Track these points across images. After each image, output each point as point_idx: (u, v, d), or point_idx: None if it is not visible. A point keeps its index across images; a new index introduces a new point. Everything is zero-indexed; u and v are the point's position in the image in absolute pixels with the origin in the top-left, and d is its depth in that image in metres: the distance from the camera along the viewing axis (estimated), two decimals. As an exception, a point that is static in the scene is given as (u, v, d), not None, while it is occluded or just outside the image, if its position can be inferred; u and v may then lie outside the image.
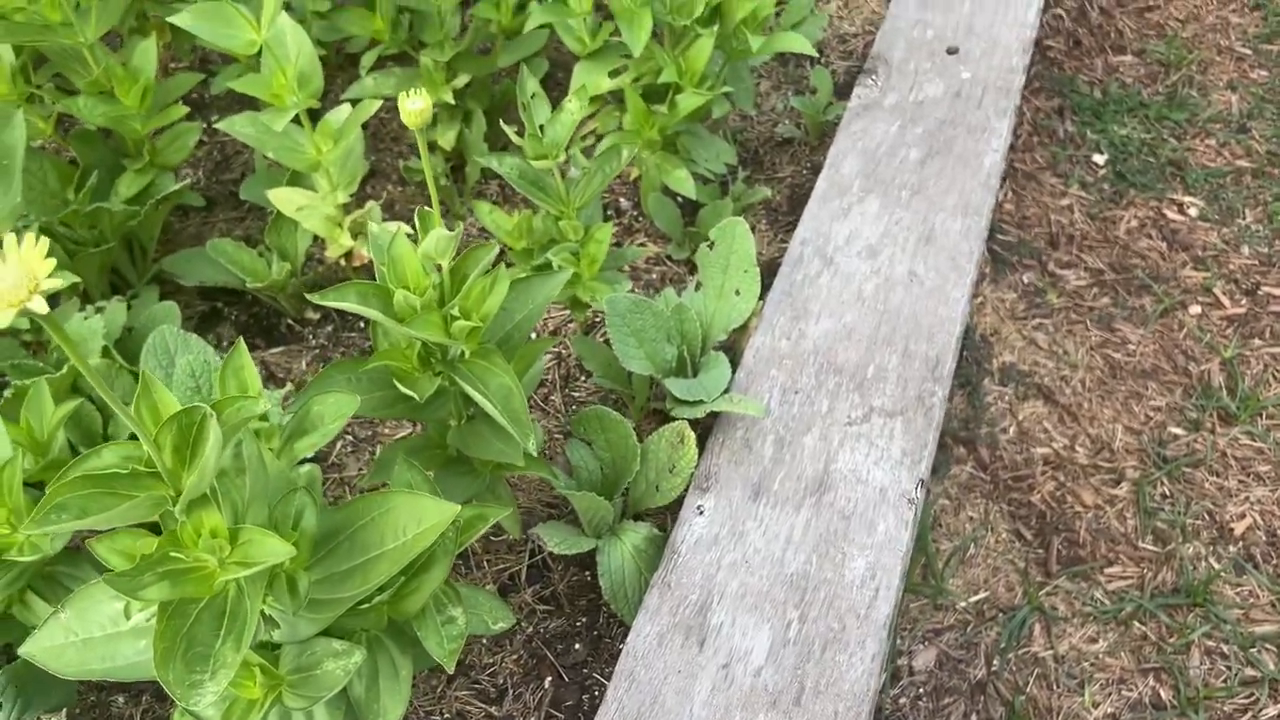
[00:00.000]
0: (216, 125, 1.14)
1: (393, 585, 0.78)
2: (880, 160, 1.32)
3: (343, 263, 1.29)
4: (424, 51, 1.37)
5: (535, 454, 0.88)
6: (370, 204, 1.28)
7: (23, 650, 0.77)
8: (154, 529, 0.71)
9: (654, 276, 1.37)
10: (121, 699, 1.01)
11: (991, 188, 1.28)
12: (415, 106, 0.76)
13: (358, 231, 1.26)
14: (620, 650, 1.01)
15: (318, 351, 1.31)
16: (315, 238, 1.31)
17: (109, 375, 1.13)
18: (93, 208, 1.22)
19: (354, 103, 1.23)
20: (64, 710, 0.88)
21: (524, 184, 1.12)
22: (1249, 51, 2.01)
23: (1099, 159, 1.81)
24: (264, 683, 0.74)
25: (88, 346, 1.12)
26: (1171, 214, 1.70)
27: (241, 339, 0.82)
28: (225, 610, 0.69)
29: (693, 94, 1.24)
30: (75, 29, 1.22)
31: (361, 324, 1.35)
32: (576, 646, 1.03)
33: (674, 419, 1.05)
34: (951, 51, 1.48)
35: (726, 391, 1.07)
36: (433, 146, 1.46)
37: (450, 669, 0.79)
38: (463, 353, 0.89)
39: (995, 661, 1.19)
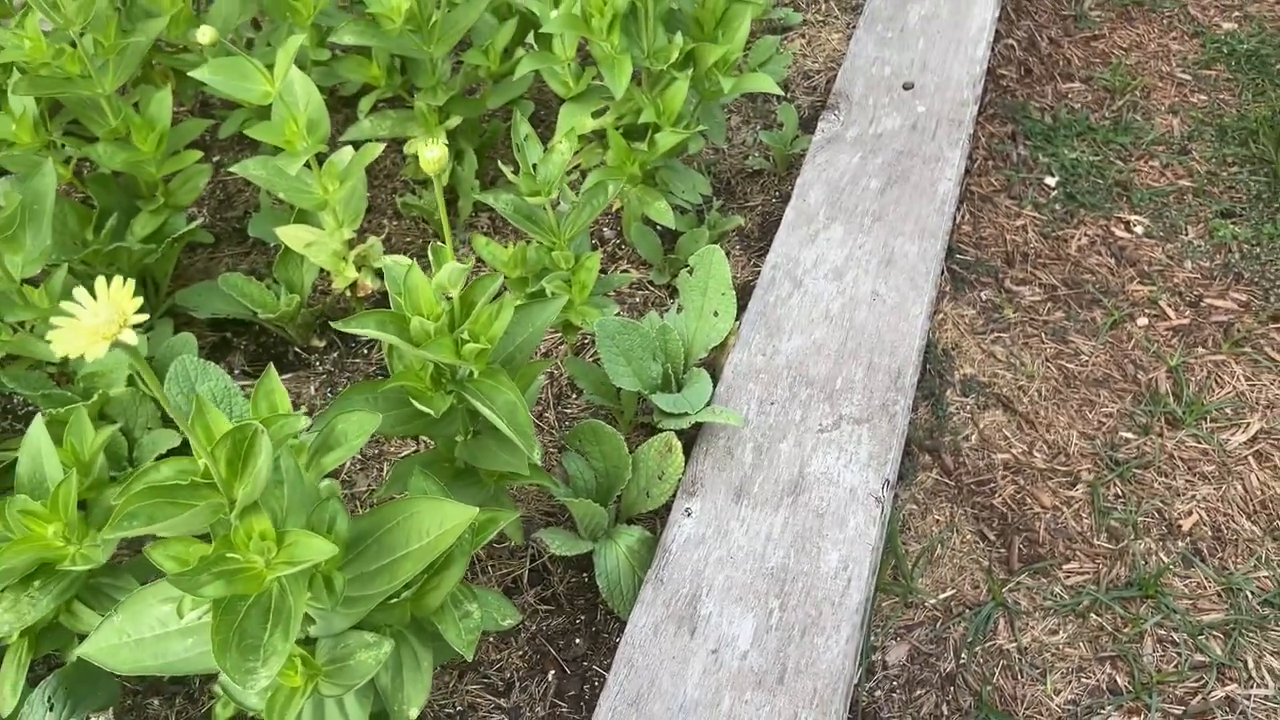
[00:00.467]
0: (230, 169, 1.23)
1: (416, 583, 0.87)
2: (844, 190, 1.43)
3: (348, 294, 1.38)
4: (418, 95, 1.47)
5: (539, 464, 0.97)
6: (371, 239, 1.37)
7: (81, 650, 0.85)
8: (201, 537, 0.80)
9: (637, 300, 1.47)
10: (156, 701, 1.08)
11: (946, 213, 1.39)
12: (433, 155, 0.86)
13: (361, 264, 1.35)
14: (617, 643, 1.10)
15: (325, 377, 1.40)
16: (321, 270, 1.40)
17: (134, 402, 1.21)
18: (113, 247, 1.30)
19: (355, 144, 1.33)
20: (110, 710, 0.96)
21: (519, 218, 1.21)
22: (1189, 77, 2.13)
23: (1050, 181, 1.92)
24: (304, 672, 0.82)
25: (115, 375, 1.21)
26: (1119, 232, 1.81)
27: (272, 365, 0.91)
28: (270, 606, 0.77)
29: (671, 132, 1.35)
30: (94, 81, 1.31)
31: (364, 350, 1.44)
32: (577, 641, 1.12)
33: (661, 430, 1.15)
34: (907, 87, 1.60)
35: (709, 404, 1.17)
36: (427, 184, 1.55)
37: (469, 657, 0.88)
38: (471, 373, 0.99)
39: (963, 655, 1.26)
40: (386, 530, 0.85)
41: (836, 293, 1.29)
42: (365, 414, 0.91)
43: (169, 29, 1.37)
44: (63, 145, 1.37)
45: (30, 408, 1.37)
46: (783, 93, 1.43)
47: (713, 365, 1.26)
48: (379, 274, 1.38)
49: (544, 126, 1.67)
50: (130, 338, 0.61)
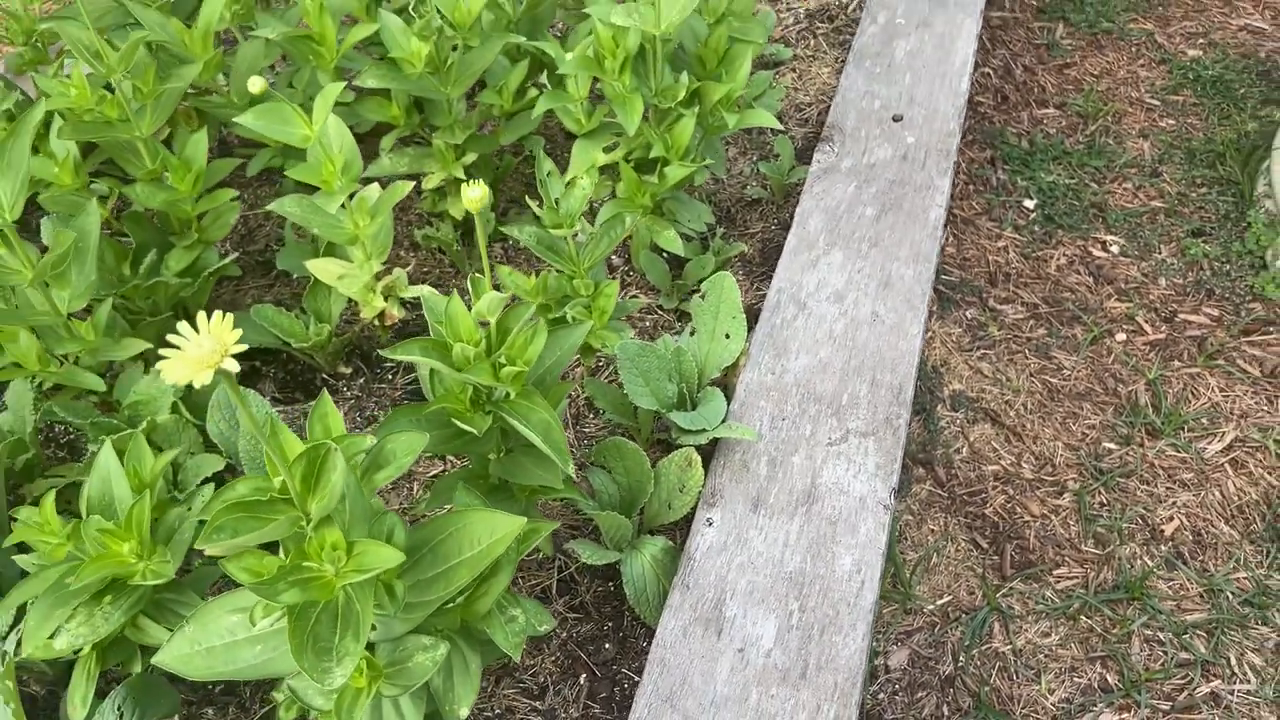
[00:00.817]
0: (268, 208, 1.30)
1: (467, 590, 0.94)
2: (841, 217, 1.52)
3: (375, 323, 1.45)
4: (436, 134, 1.55)
5: (574, 478, 1.04)
6: (397, 270, 1.44)
7: (157, 659, 0.92)
8: (265, 548, 0.87)
9: (647, 324, 1.55)
10: (210, 711, 1.14)
11: (937, 238, 1.48)
12: (475, 195, 0.93)
13: (388, 294, 1.42)
14: (644, 647, 1.17)
15: (353, 401, 1.47)
16: (348, 301, 1.47)
17: (177, 429, 1.28)
18: (153, 281, 1.37)
19: (381, 182, 1.40)
20: (175, 718, 1.02)
21: (541, 248, 1.29)
22: (1157, 103, 2.23)
23: (1029, 204, 2.01)
24: (368, 674, 0.89)
25: (159, 404, 1.27)
26: (1096, 251, 1.90)
27: (325, 391, 0.98)
28: (340, 611, 0.84)
29: (680, 166, 1.43)
30: (133, 125, 1.38)
31: (389, 376, 1.51)
32: (606, 646, 1.19)
33: (680, 446, 1.23)
34: (897, 119, 1.69)
35: (724, 421, 1.25)
36: (443, 216, 1.63)
37: (517, 658, 0.94)
38: (507, 394, 1.06)
39: (961, 658, 1.32)
40: (440, 540, 0.92)
41: (839, 314, 1.37)
42: (414, 434, 0.98)
43: (201, 74, 1.44)
44: (110, 188, 1.44)
45: (71, 436, 1.43)
46: (782, 127, 1.52)
47: (724, 385, 1.34)
48: (404, 304, 1.45)
49: (554, 160, 1.75)
50: (232, 365, 0.68)
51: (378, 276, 1.41)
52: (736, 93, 1.46)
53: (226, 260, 1.43)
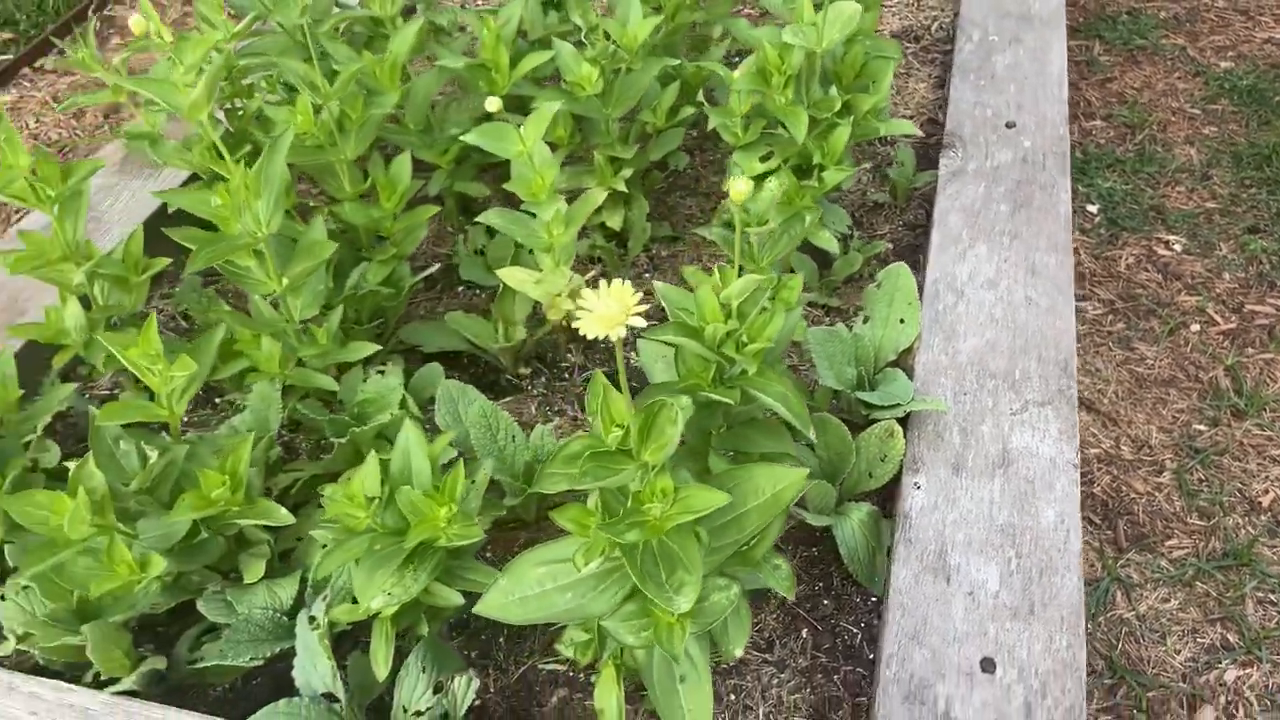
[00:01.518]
0: (478, 219, 1.42)
1: (755, 536, 1.05)
2: (978, 214, 1.65)
3: (564, 323, 1.57)
4: (598, 150, 1.68)
5: (814, 443, 1.16)
6: (576, 276, 1.56)
7: (477, 609, 1.03)
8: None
9: (805, 318, 1.67)
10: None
11: (1069, 230, 1.61)
12: (741, 187, 1.06)
13: (574, 296, 1.54)
14: (858, 604, 1.28)
15: (540, 399, 1.58)
16: (533, 306, 1.58)
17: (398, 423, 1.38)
18: (364, 291, 1.49)
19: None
20: (469, 671, 1.11)
21: (727, 246, 1.42)
22: (1198, 112, 2.39)
23: (1092, 208, 2.15)
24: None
25: (390, 399, 1.38)
26: (1160, 250, 2.04)
27: (600, 373, 1.10)
28: (663, 552, 0.95)
29: (835, 170, 1.56)
30: (339, 149, 1.50)
31: (567, 375, 1.62)
32: (824, 603, 1.29)
33: (876, 421, 1.34)
34: (1010, 125, 1.83)
35: (913, 397, 1.37)
36: (602, 226, 1.75)
37: (791, 597, 1.05)
38: (744, 370, 1.18)
39: (1090, 625, 1.41)
40: (729, 490, 1.03)
41: (995, 300, 1.50)
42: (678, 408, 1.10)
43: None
44: (319, 209, 1.56)
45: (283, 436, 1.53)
46: (922, 134, 1.66)
47: (899, 366, 1.46)
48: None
49: (698, 170, 1.88)
50: (639, 321, 0.80)
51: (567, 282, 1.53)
52: (882, 104, 1.60)
53: (427, 271, 1.54)
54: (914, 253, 1.76)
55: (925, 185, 1.87)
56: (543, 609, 1.02)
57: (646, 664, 1.04)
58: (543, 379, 1.61)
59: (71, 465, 1.06)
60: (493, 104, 1.26)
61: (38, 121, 2.38)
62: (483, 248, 1.72)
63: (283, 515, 1.15)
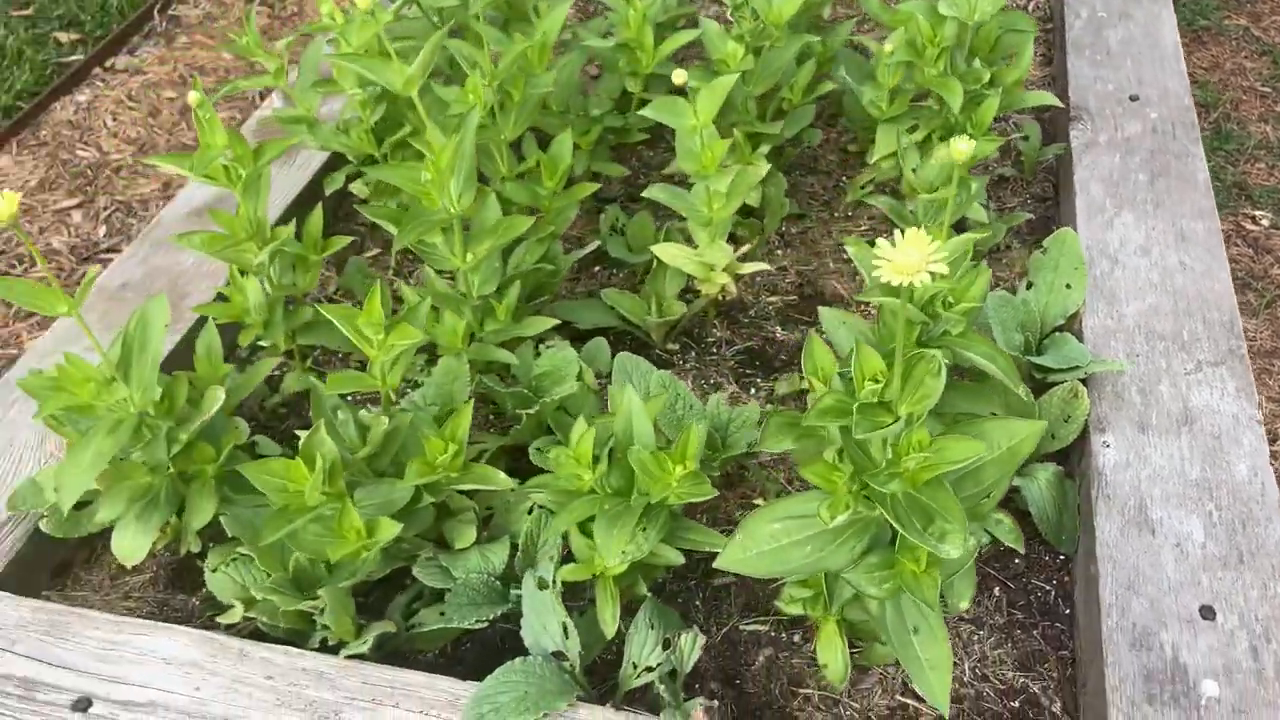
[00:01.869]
0: (644, 194, 1.44)
1: (984, 493, 1.07)
2: (1118, 184, 1.67)
3: (720, 296, 1.59)
4: (736, 127, 1.70)
5: (1024, 398, 1.18)
6: (731, 248, 1.58)
7: (719, 563, 1.05)
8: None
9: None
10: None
11: (1210, 198, 1.63)
12: (964, 147, 1.08)
13: (730, 271, 1.56)
14: (1048, 562, 1.30)
15: (694, 373, 1.60)
16: (686, 282, 1.60)
17: (583, 395, 1.40)
18: (530, 269, 1.51)
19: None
20: (695, 628, 1.13)
21: (894, 214, 1.44)
22: (1269, 90, 2.41)
23: None
24: (926, 559, 1.02)
25: (567, 372, 1.40)
26: (1249, 225, 2.06)
27: (814, 332, 1.12)
28: (909, 504, 0.97)
29: (985, 140, 1.58)
30: (498, 128, 1.52)
31: (715, 350, 1.64)
32: (1015, 562, 1.31)
33: (1052, 384, 1.36)
34: (1134, 98, 1.85)
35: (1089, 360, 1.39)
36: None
37: (1021, 550, 1.07)
38: (945, 331, 1.20)
39: None
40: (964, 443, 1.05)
41: (1149, 265, 1.52)
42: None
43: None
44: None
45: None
46: (1061, 104, 1.69)
47: (1064, 331, 1.48)
48: (737, 280, 1.59)
49: (814, 149, 1.91)
50: (941, 268, 0.82)
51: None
52: (1025, 76, 1.62)
53: (590, 248, 1.56)
54: (1046, 224, 1.78)
55: (1050, 159, 1.89)
56: (779, 563, 1.04)
57: (879, 616, 1.06)
58: (692, 354, 1.63)
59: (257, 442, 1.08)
60: (679, 76, 1.28)
61: (115, 119, 2.40)
62: (622, 226, 1.74)
63: (502, 480, 1.17)
